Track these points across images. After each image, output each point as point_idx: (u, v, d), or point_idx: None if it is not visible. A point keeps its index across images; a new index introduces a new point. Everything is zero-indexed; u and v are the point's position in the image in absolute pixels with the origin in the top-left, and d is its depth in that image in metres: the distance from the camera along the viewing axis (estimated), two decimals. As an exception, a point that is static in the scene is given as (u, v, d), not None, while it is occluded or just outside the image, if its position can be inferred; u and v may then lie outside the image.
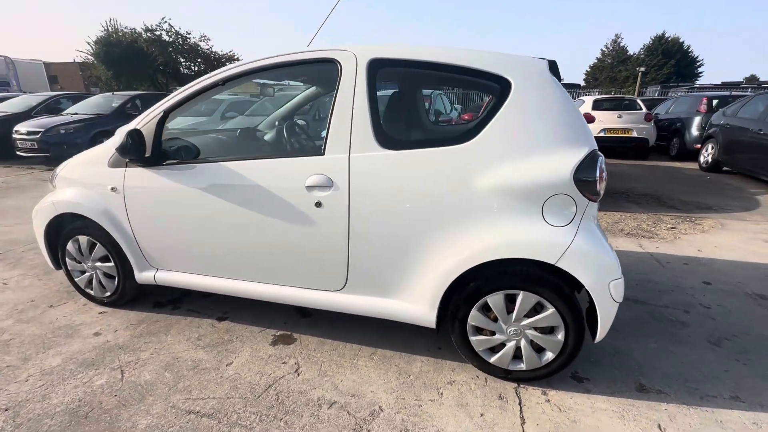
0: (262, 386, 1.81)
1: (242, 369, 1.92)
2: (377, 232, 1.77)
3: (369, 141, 1.74)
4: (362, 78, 1.76)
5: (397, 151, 1.71)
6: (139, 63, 27.09)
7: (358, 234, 1.79)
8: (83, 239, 2.34)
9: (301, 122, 2.70)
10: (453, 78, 1.86)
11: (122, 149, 1.93)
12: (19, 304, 2.51)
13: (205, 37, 28.71)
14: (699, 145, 7.53)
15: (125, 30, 26.88)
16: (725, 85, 24.11)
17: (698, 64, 37.55)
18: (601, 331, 1.65)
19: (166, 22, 26.22)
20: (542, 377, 1.79)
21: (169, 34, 26.92)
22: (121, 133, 2.10)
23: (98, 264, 2.38)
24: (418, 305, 1.82)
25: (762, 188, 5.79)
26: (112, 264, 2.34)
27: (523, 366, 1.78)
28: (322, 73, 2.10)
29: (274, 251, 1.96)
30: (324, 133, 1.83)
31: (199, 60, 29.52)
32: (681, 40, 37.36)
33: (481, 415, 1.65)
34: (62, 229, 2.40)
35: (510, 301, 1.71)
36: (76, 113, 8.51)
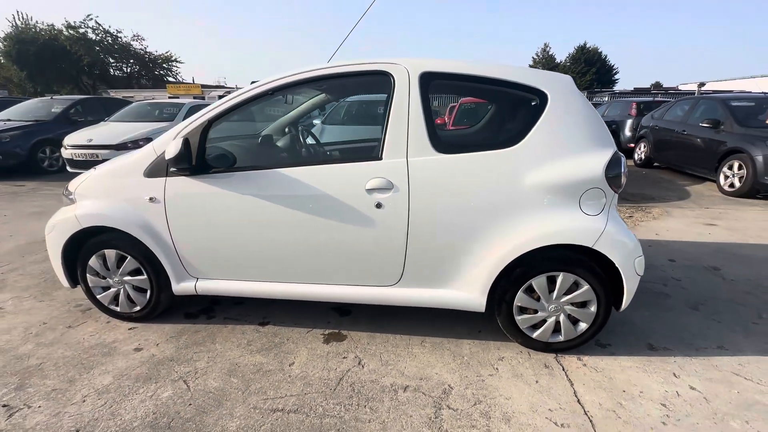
0: (333, 380, 1.91)
1: (307, 367, 2.00)
2: (434, 230, 1.95)
3: (425, 146, 1.92)
4: (416, 89, 1.94)
5: (451, 155, 1.92)
6: (60, 63, 24.56)
7: (416, 232, 1.96)
8: (110, 253, 2.25)
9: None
10: (495, 90, 2.10)
11: (178, 159, 1.92)
12: (31, 328, 2.34)
13: (138, 36, 26.74)
14: (632, 144, 8.60)
15: (41, 26, 24.18)
16: (637, 91, 27.35)
17: (614, 72, 42.06)
18: (625, 302, 1.98)
19: (92, 18, 24.03)
20: (576, 346, 2.09)
21: (96, 32, 24.73)
22: (163, 144, 2.08)
23: (127, 278, 2.30)
24: (470, 292, 2.03)
25: (689, 181, 6.80)
26: (144, 277, 2.27)
27: (561, 338, 2.06)
28: (374, 83, 2.24)
29: (332, 252, 2.06)
30: (379, 139, 1.99)
31: (131, 61, 27.40)
32: (600, 50, 41.66)
33: (536, 381, 1.90)
34: (82, 244, 2.28)
35: (550, 281, 1.98)
36: (9, 120, 7.63)
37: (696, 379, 1.92)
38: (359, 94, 2.55)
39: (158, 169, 2.12)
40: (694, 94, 15.55)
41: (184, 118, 7.54)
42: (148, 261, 2.23)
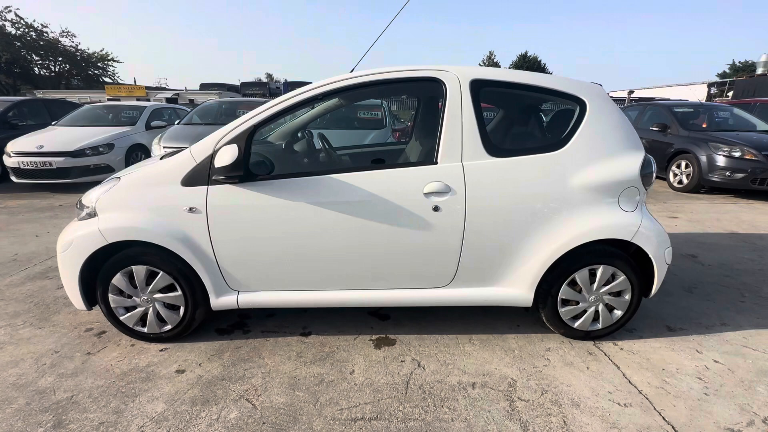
0: (400, 384, 1.91)
1: (368, 374, 1.99)
2: (489, 231, 2.03)
3: (479, 150, 2.00)
4: (467, 96, 2.01)
5: (504, 159, 2.01)
6: (-31, 60, 21.78)
7: (472, 233, 2.03)
8: (139, 269, 2.07)
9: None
10: (539, 97, 2.22)
11: (234, 166, 1.83)
12: (42, 358, 2.08)
13: (68, 32, 24.24)
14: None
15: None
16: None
17: (553, 79, 45.24)
18: (655, 289, 2.19)
19: (10, 11, 21.56)
20: (611, 333, 2.27)
21: (17, 26, 22.22)
22: (203, 150, 1.97)
23: (158, 295, 2.13)
24: (519, 288, 2.14)
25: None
26: (177, 293, 2.12)
27: (599, 326, 2.23)
28: (424, 89, 2.27)
29: (387, 256, 2.06)
30: (434, 144, 2.04)
31: (60, 59, 24.85)
32: (539, 59, 44.73)
33: (587, 368, 2.04)
34: (103, 262, 2.08)
35: (591, 274, 2.14)
36: (-69, 124, 6.62)
37: (716, 353, 2.17)
38: (411, 98, 2.55)
39: (198, 177, 2.00)
40: (624, 101, 17.31)
41: (147, 122, 7.09)
42: (182, 276, 2.08)
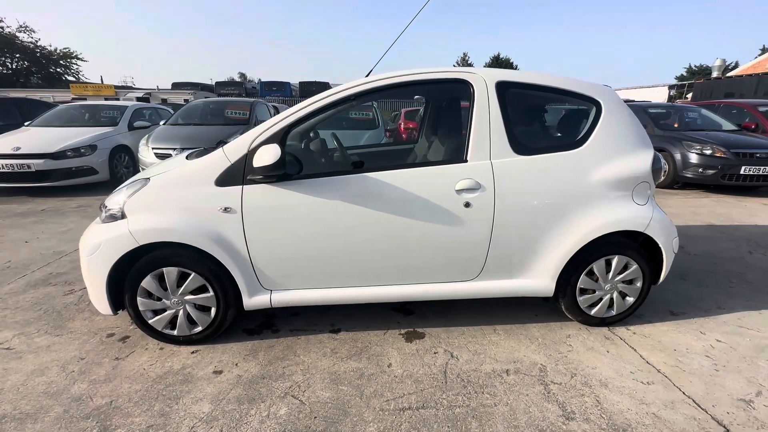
0: (438, 374, 1.98)
1: (406, 366, 2.05)
2: (515, 225, 2.14)
3: (506, 148, 2.10)
4: (494, 97, 2.11)
5: (529, 156, 2.12)
6: None
7: (500, 228, 2.13)
8: (171, 271, 2.05)
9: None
10: (559, 98, 2.35)
11: (276, 166, 1.84)
12: (68, 366, 2.02)
13: (26, 27, 22.84)
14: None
15: None
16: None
17: (525, 80, 46.64)
18: (663, 276, 2.36)
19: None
20: (623, 319, 2.43)
21: (-33, 20, 20.79)
22: (237, 150, 1.97)
23: (189, 297, 2.11)
24: (542, 280, 2.26)
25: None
26: (209, 294, 2.11)
27: (613, 312, 2.38)
28: (452, 90, 2.34)
29: (420, 252, 2.13)
30: (460, 143, 2.12)
31: (17, 55, 23.42)
32: (511, 61, 46.02)
33: (608, 351, 2.18)
34: (130, 265, 2.04)
35: (607, 264, 2.29)
36: None
37: (717, 333, 2.37)
38: (438, 100, 2.61)
39: (233, 176, 2.00)
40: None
41: (129, 123, 6.85)
42: (215, 276, 2.07)
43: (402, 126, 8.73)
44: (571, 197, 2.16)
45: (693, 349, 2.21)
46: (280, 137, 2.00)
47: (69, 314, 2.52)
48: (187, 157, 2.42)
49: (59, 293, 2.81)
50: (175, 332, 2.16)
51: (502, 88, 2.13)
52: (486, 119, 2.10)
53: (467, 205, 2.08)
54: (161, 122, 6.92)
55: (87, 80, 25.52)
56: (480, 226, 2.12)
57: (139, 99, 16.54)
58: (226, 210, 1.99)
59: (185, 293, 2.10)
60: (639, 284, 2.34)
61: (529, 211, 2.14)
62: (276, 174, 1.91)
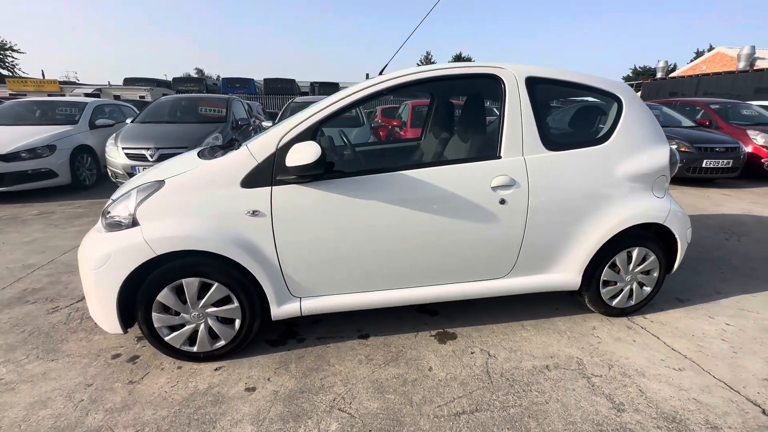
0: (482, 375, 1.95)
1: (446, 368, 1.99)
2: (547, 221, 2.14)
3: (537, 144, 2.10)
4: (524, 92, 2.10)
5: (559, 152, 2.13)
6: None
7: (533, 224, 2.12)
8: (191, 282, 1.86)
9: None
10: (583, 93, 2.37)
11: (316, 165, 1.71)
12: (75, 394, 1.78)
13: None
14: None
15: None
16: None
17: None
18: (677, 265, 2.47)
19: None
20: (640, 308, 2.51)
21: None
22: (264, 148, 1.83)
23: (211, 309, 1.93)
24: (569, 274, 2.28)
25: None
26: (234, 305, 1.94)
27: (632, 302, 2.46)
28: (482, 86, 2.28)
29: (456, 250, 2.08)
30: (490, 139, 2.10)
31: (-60, 46, 20.87)
32: (473, 59, 47.16)
33: (634, 341, 2.24)
34: (145, 276, 1.84)
35: (628, 256, 2.35)
36: None
37: (724, 317, 2.51)
38: (463, 95, 2.55)
39: (260, 177, 1.85)
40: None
41: (90, 120, 6.29)
42: (240, 286, 1.91)
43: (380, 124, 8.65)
44: (599, 192, 2.19)
45: (708, 333, 2.33)
46: (311, 134, 1.88)
47: (60, 335, 2.24)
48: (199, 155, 2.22)
49: (41, 312, 2.49)
50: (194, 348, 1.97)
51: (532, 83, 2.12)
52: (518, 115, 2.08)
53: (502, 201, 2.05)
54: (128, 120, 6.40)
55: (25, 75, 23.17)
56: (514, 223, 2.10)
57: (87, 96, 15.27)
58: (254, 213, 1.84)
59: (207, 305, 1.92)
60: (656, 274, 2.43)
61: (560, 207, 2.15)
62: (313, 174, 1.78)
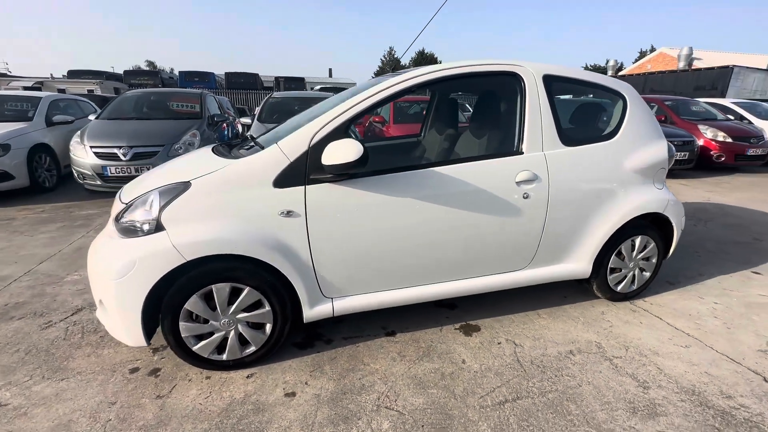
0: (513, 364, 2.01)
1: (479, 360, 2.04)
2: (565, 214, 2.24)
3: (555, 140, 2.18)
4: (542, 89, 2.17)
5: (574, 147, 2.23)
6: None
7: (552, 217, 2.21)
8: (222, 288, 1.78)
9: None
10: (593, 91, 2.47)
11: (360, 162, 1.68)
12: (99, 414, 1.65)
13: None
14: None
15: None
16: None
17: (449, 75, 48.97)
18: (672, 251, 2.67)
19: None
20: (640, 292, 2.70)
21: None
22: (297, 146, 1.77)
23: (242, 315, 1.85)
24: (581, 263, 2.41)
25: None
26: (266, 309, 1.87)
27: (634, 287, 2.63)
28: (501, 83, 2.31)
29: (483, 245, 2.12)
30: (513, 134, 2.16)
31: None
32: (435, 56, 47.89)
33: (641, 323, 2.41)
34: (169, 284, 1.73)
35: (631, 243, 2.51)
36: None
37: (711, 297, 2.75)
38: (477, 92, 2.56)
39: (293, 176, 1.79)
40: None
41: (47, 117, 5.77)
42: (272, 289, 1.85)
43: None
44: (609, 185, 2.32)
45: (702, 312, 2.54)
46: (344, 131, 1.84)
47: (62, 352, 2.06)
48: (213, 150, 2.11)
49: (33, 328, 2.27)
50: (224, 356, 1.89)
51: (548, 81, 2.20)
52: (537, 111, 2.15)
53: (526, 196, 2.12)
54: (90, 117, 5.93)
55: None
56: (535, 216, 2.18)
57: (27, 89, 13.94)
58: (288, 214, 1.78)
59: (237, 311, 1.84)
60: (654, 260, 2.61)
61: (577, 200, 2.25)
62: (354, 172, 1.75)
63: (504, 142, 2.25)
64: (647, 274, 2.64)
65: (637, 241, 2.50)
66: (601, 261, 2.45)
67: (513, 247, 2.21)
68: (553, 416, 1.68)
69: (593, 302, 2.64)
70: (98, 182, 4.86)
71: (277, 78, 23.42)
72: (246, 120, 6.42)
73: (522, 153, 2.13)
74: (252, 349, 1.92)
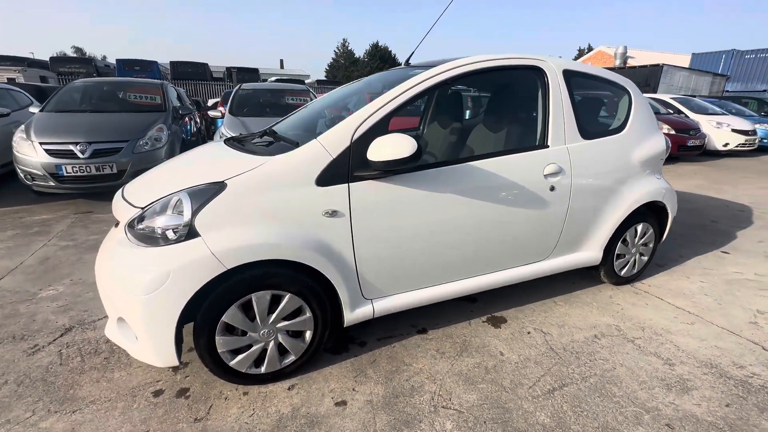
0: (547, 352, 2.07)
1: (515, 351, 2.07)
2: (583, 205, 2.33)
3: (575, 133, 2.25)
4: (563, 84, 2.22)
5: (592, 140, 2.32)
6: None
7: (573, 208, 2.29)
8: (262, 296, 1.64)
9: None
10: (603, 86, 2.55)
11: (413, 157, 1.60)
12: (133, 447, 1.46)
13: None
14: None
15: None
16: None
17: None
18: (665, 235, 2.88)
19: None
20: (639, 275, 2.89)
21: None
22: (338, 142, 1.67)
23: (283, 324, 1.73)
24: (593, 251, 2.52)
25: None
26: (307, 315, 1.76)
27: (635, 271, 2.81)
28: (524, 77, 2.29)
29: (516, 238, 2.15)
30: (536, 129, 2.20)
31: None
32: (389, 49, 47.92)
33: (647, 304, 2.58)
34: (205, 295, 1.57)
35: (635, 231, 2.67)
36: None
37: (696, 276, 3.01)
38: (502, 87, 2.53)
39: (337, 173, 1.68)
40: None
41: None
42: (313, 294, 1.74)
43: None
44: (621, 176, 2.44)
45: (693, 291, 2.78)
46: (385, 125, 1.76)
47: (63, 380, 1.80)
48: (229, 146, 1.93)
49: (17, 354, 1.97)
50: (262, 369, 1.75)
51: (568, 76, 2.26)
52: (560, 105, 2.21)
53: (552, 188, 2.17)
54: (31, 109, 5.22)
55: None
56: (559, 208, 2.24)
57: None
58: (332, 213, 1.68)
59: (278, 320, 1.71)
60: (651, 245, 2.81)
61: (594, 191, 2.35)
62: (405, 168, 1.68)
63: (528, 135, 2.28)
64: (645, 259, 2.83)
65: (639, 227, 2.66)
66: (609, 248, 2.59)
67: (539, 238, 2.26)
68: (600, 400, 1.75)
69: (600, 287, 2.79)
70: (51, 183, 4.30)
71: (228, 68, 22.19)
72: (216, 113, 6.00)
73: (548, 147, 2.18)
74: (291, 358, 1.80)
